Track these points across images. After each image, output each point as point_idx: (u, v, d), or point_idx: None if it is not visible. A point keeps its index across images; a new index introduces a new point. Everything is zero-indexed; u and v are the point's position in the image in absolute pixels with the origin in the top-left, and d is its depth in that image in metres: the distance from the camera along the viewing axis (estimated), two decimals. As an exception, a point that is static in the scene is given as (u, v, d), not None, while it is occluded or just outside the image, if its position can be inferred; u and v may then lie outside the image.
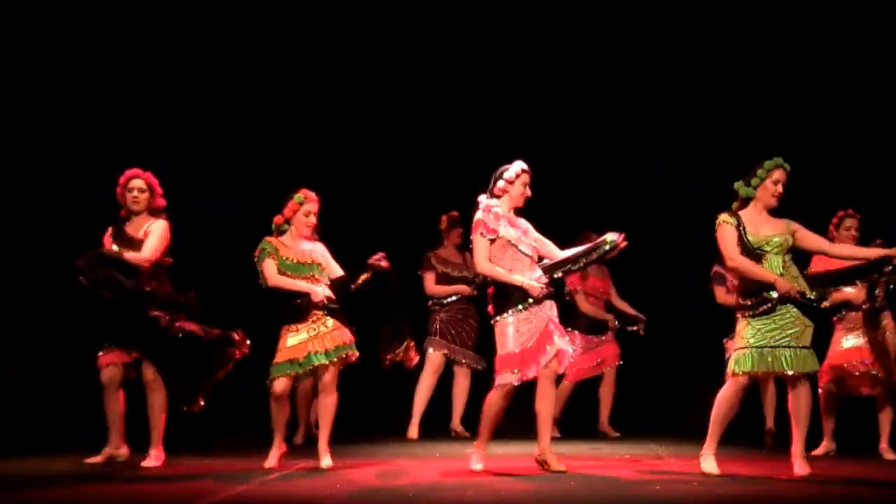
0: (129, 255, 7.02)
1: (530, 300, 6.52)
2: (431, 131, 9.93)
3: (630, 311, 9.16)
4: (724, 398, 6.44)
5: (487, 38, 9.79)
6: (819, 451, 7.64)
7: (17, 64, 9.16)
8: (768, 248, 6.38)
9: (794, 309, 6.33)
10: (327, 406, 6.92)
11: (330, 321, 6.88)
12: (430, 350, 9.07)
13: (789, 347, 6.32)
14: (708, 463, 6.46)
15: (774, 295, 6.30)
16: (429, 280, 9.08)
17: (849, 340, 7.59)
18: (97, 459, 7.24)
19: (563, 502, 5.69)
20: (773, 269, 6.36)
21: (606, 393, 9.24)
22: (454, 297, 9.03)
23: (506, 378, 6.51)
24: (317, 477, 6.56)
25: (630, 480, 6.35)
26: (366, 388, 9.18)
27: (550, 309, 6.65)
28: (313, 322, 6.87)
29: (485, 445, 6.75)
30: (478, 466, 6.71)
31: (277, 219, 7.02)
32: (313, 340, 6.83)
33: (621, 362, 9.20)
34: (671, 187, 9.66)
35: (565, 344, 6.62)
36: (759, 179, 6.43)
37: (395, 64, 9.87)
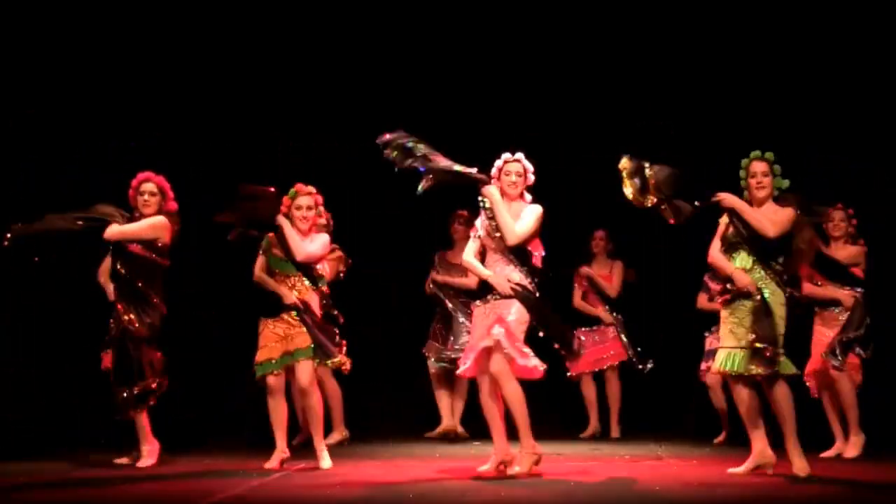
0: (113, 227, 7.02)
1: (489, 297, 6.64)
2: (431, 131, 9.90)
3: (596, 312, 9.15)
4: (735, 399, 6.55)
5: (488, 38, 9.79)
6: (829, 452, 7.55)
7: (16, 64, 9.15)
8: (743, 242, 6.49)
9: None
10: (310, 407, 7.01)
11: (304, 327, 6.94)
12: (427, 356, 9.07)
13: (743, 349, 6.41)
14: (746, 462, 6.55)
15: (732, 288, 6.45)
16: (428, 280, 9.09)
17: (827, 337, 7.58)
18: (123, 460, 7.23)
19: (563, 502, 5.69)
20: (741, 263, 6.48)
21: (613, 392, 9.23)
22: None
23: (460, 368, 6.73)
24: (317, 477, 6.56)
25: (630, 480, 6.35)
26: (365, 389, 9.20)
27: (514, 310, 6.56)
28: (289, 324, 6.93)
29: (499, 449, 6.71)
30: (483, 467, 6.72)
31: None
32: (284, 341, 6.92)
33: (624, 361, 9.17)
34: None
35: (504, 339, 6.49)
36: (744, 180, 6.64)
37: (395, 64, 9.86)
